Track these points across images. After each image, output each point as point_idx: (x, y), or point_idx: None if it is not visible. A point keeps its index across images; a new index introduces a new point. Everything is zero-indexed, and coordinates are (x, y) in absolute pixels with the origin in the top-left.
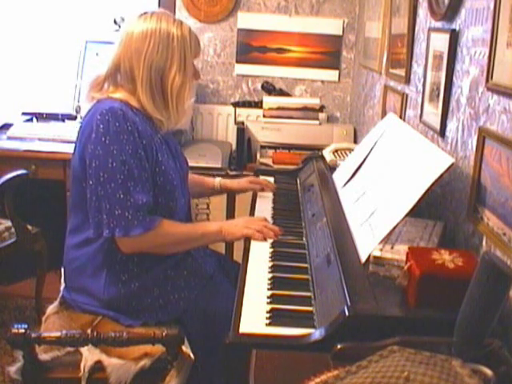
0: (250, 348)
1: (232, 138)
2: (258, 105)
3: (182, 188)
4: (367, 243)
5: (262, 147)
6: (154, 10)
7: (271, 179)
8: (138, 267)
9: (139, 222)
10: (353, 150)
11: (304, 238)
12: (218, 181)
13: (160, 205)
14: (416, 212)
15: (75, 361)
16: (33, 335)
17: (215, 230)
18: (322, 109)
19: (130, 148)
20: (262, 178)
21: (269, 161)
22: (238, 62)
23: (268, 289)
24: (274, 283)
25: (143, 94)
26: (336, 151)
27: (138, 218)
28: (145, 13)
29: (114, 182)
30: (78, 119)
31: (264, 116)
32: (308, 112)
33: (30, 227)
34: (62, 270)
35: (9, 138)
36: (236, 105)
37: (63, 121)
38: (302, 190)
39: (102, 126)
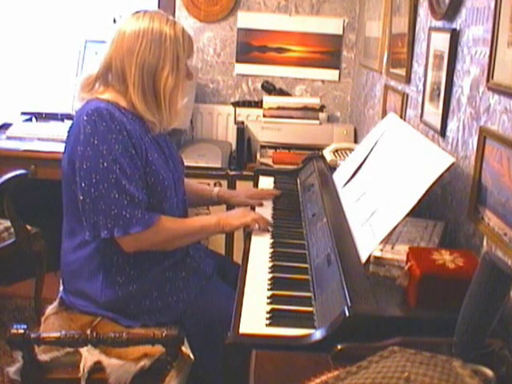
0: (250, 348)
1: (232, 138)
2: (258, 104)
3: (176, 188)
4: (368, 243)
5: (262, 147)
6: (146, 9)
7: (271, 179)
8: (135, 269)
9: (138, 220)
10: (353, 149)
11: (304, 238)
12: (215, 191)
13: (152, 205)
14: (416, 212)
15: (75, 361)
16: (32, 336)
17: (214, 223)
18: (322, 108)
19: (119, 147)
20: (261, 178)
21: (269, 161)
22: (237, 61)
23: (268, 289)
24: (274, 283)
25: (135, 94)
26: (336, 151)
27: (136, 215)
28: (137, 12)
29: (106, 181)
30: None
31: (264, 116)
32: (308, 112)
33: (29, 227)
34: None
35: (8, 138)
36: (236, 104)
37: (62, 120)
38: (302, 190)
39: (89, 127)
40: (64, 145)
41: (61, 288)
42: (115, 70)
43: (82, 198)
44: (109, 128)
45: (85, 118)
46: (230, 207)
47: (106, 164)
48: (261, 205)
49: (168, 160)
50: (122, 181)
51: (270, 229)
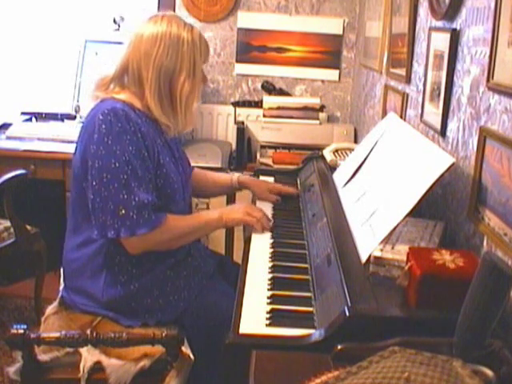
0: (250, 348)
1: (232, 138)
2: (258, 104)
3: (184, 191)
4: (368, 243)
5: (262, 147)
6: (164, 12)
7: (271, 179)
8: (137, 268)
9: (145, 221)
10: (353, 149)
11: (304, 238)
12: (235, 177)
13: (159, 207)
14: (417, 212)
15: (74, 361)
16: (32, 336)
17: (216, 218)
18: (322, 108)
19: (133, 148)
20: (261, 178)
21: (269, 161)
22: (237, 61)
23: (268, 289)
24: (274, 283)
25: (151, 98)
26: (336, 151)
27: (143, 216)
28: (155, 15)
29: (117, 182)
30: (78, 119)
31: (264, 116)
32: (308, 112)
33: (29, 227)
34: (62, 270)
35: (8, 138)
36: (236, 104)
37: (62, 120)
38: (302, 190)
39: (104, 127)
40: (75, 143)
41: (61, 287)
42: (132, 72)
43: (92, 196)
44: (124, 129)
45: (100, 117)
46: (230, 198)
47: (117, 164)
48: (278, 201)
49: (177, 163)
50: (132, 182)
51: (268, 227)
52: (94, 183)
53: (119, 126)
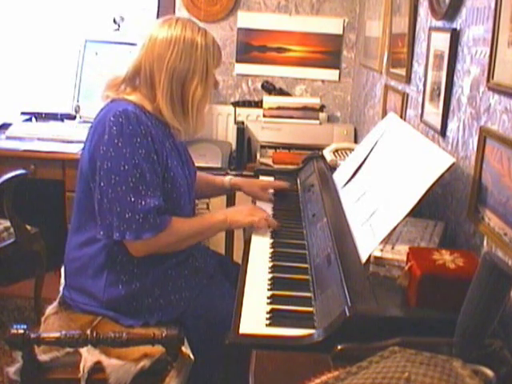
0: (250, 348)
1: (232, 138)
2: (258, 104)
3: (189, 195)
4: (368, 243)
5: (262, 147)
6: (178, 16)
7: (271, 179)
8: (139, 268)
9: (150, 225)
10: (353, 149)
11: (304, 238)
12: (227, 179)
13: (165, 211)
14: (417, 212)
15: (74, 361)
16: (32, 336)
17: (221, 220)
18: (322, 108)
19: (142, 151)
20: (261, 178)
21: (269, 161)
22: (237, 61)
23: (268, 289)
24: (274, 284)
25: (163, 101)
26: (336, 151)
27: (148, 221)
28: (170, 18)
29: (125, 184)
30: (77, 119)
31: (264, 116)
32: (308, 112)
33: (28, 227)
34: (63, 268)
35: (8, 138)
36: (236, 104)
37: (62, 120)
38: (302, 190)
39: (115, 128)
40: (74, 142)
41: (61, 287)
42: (144, 74)
43: (99, 197)
44: (135, 131)
45: (112, 118)
46: (230, 198)
47: (126, 167)
48: (271, 200)
49: (184, 166)
50: (139, 186)
51: (274, 225)
52: (102, 184)
53: (130, 129)
